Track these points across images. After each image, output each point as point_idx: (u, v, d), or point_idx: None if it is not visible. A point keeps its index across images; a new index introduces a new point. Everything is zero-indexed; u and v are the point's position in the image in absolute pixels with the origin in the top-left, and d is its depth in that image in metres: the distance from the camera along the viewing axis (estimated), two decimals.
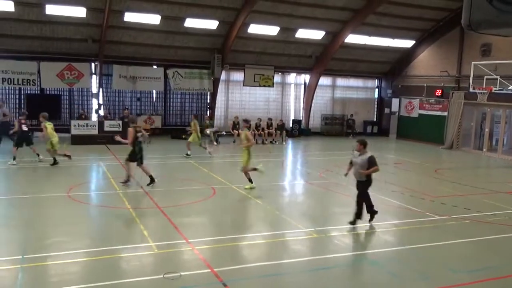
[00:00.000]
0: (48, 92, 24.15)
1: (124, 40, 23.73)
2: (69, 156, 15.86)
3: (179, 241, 8.48)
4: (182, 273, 6.97)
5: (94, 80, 24.61)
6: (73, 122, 21.57)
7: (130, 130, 12.82)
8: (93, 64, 24.23)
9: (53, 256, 7.58)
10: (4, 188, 12.81)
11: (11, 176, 14.14)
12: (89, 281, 6.70)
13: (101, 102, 24.76)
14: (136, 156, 12.76)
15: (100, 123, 21.90)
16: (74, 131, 21.10)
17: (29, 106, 22.57)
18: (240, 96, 27.96)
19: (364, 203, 9.65)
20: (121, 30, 23.05)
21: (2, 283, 6.51)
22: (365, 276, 7.44)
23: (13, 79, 22.31)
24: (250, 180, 13.07)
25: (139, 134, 12.79)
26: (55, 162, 15.45)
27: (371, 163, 9.36)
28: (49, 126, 15.34)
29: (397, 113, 29.46)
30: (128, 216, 10.16)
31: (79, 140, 20.61)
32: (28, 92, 23.55)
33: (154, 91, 26.33)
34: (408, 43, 28.27)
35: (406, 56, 29.10)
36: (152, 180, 12.83)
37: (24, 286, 6.43)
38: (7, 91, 23.41)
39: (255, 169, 13.20)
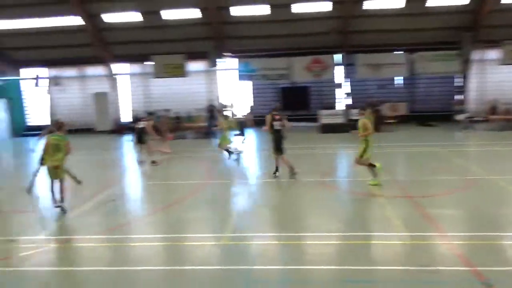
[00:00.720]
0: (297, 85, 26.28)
1: (365, 29, 23.90)
2: (239, 153, 16.33)
3: (432, 233, 8.09)
4: (437, 268, 6.64)
5: (338, 70, 25.58)
6: (323, 112, 22.89)
7: (267, 117, 12.78)
8: (336, 56, 25.18)
9: (308, 236, 8.24)
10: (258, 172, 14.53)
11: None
12: (339, 263, 7.02)
13: (347, 91, 25.64)
14: (277, 146, 12.57)
15: (346, 112, 22.64)
16: (324, 120, 22.40)
17: (283, 98, 25.13)
18: (497, 77, 24.84)
19: None
20: (360, 18, 23.31)
21: (268, 256, 7.42)
22: None
23: (269, 74, 25.10)
24: (374, 174, 11.43)
25: (275, 123, 12.57)
26: (230, 153, 16.08)
27: None
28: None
29: None
30: (378, 204, 10.20)
31: (327, 129, 21.76)
32: (282, 86, 26.15)
33: (398, 78, 25.77)
34: None
35: None
36: (292, 172, 12.48)
37: (285, 260, 7.19)
38: (265, 86, 26.49)
39: (372, 165, 11.45)
